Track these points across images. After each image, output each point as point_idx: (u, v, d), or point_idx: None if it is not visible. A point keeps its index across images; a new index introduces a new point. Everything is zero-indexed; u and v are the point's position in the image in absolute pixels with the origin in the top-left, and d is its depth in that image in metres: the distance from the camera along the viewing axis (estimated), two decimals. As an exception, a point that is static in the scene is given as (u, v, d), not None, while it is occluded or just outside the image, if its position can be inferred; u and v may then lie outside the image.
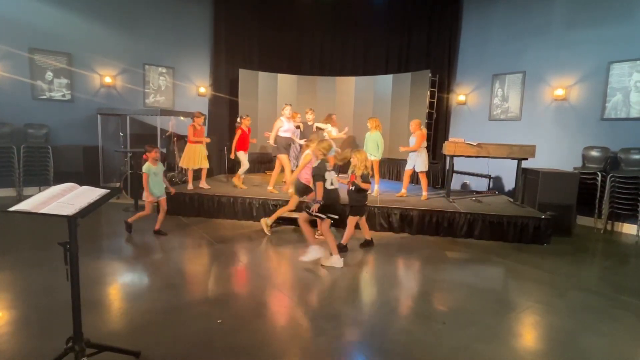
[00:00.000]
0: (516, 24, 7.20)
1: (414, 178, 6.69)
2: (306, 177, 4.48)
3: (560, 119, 6.68)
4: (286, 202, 5.49)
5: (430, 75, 7.93)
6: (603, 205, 5.69)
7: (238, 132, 6.21)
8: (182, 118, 7.57)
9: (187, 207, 5.79)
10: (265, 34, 9.10)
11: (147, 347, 2.28)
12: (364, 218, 4.50)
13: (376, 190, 5.95)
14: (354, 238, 4.39)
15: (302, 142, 6.14)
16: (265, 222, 4.96)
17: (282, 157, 5.86)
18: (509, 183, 6.61)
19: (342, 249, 4.24)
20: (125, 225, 4.72)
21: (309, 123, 6.46)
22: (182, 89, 8.49)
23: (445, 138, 7.92)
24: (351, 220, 4.26)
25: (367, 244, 4.55)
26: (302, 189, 4.57)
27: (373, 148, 5.88)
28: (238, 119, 6.51)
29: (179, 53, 8.34)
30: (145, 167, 4.55)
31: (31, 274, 3.41)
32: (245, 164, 6.25)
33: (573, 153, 6.41)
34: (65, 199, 1.90)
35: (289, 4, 8.99)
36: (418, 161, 5.82)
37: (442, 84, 8.18)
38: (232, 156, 6.30)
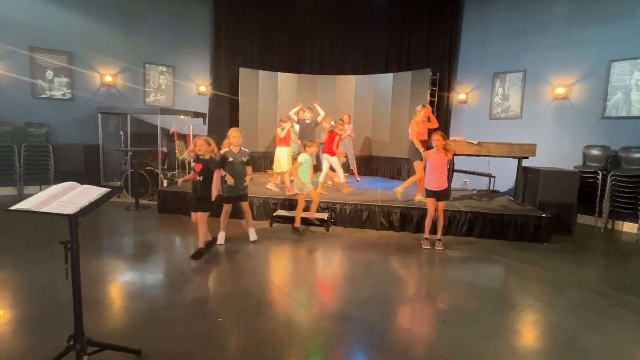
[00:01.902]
0: (517, 23, 7.19)
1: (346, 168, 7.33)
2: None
3: (560, 118, 6.67)
4: (285, 199, 5.51)
5: (430, 73, 7.91)
6: (604, 203, 5.69)
7: (335, 138, 6.04)
8: (182, 117, 7.57)
9: (187, 205, 5.79)
10: (265, 32, 9.09)
11: (148, 345, 2.28)
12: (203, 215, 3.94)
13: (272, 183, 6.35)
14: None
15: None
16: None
17: (420, 164, 5.32)
18: (510, 182, 6.60)
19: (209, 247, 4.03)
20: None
21: (307, 121, 6.44)
22: (182, 88, 8.49)
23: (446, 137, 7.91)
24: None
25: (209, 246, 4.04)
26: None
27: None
28: (332, 122, 6.37)
29: (179, 52, 8.34)
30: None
31: (32, 273, 3.41)
32: (340, 169, 6.18)
33: (573, 152, 6.40)
34: (66, 197, 1.91)
35: (289, 2, 8.98)
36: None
37: (443, 83, 8.16)
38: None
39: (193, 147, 3.92)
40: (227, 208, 4.41)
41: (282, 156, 6.08)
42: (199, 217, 3.90)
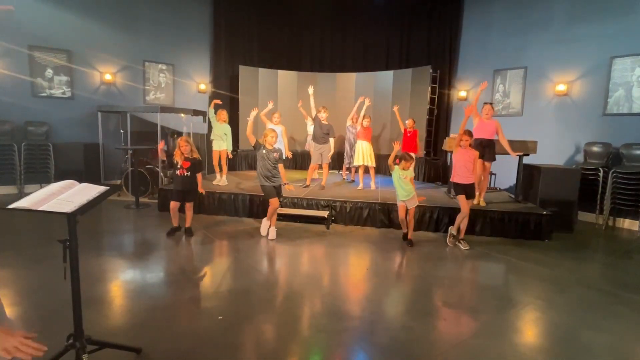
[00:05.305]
0: (517, 19, 7.15)
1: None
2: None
3: (561, 115, 6.65)
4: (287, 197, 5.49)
5: (431, 71, 7.89)
6: (605, 201, 5.67)
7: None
8: (182, 115, 7.56)
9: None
10: (265, 30, 9.07)
11: (148, 343, 2.28)
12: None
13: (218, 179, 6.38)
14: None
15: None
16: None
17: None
18: (511, 179, 6.58)
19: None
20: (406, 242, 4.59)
21: (323, 122, 5.95)
22: (182, 86, 8.47)
23: (446, 134, 7.90)
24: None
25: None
26: None
27: (222, 138, 6.29)
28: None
29: (179, 50, 8.32)
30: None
31: (32, 271, 3.41)
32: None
33: (575, 149, 6.38)
34: (64, 196, 1.90)
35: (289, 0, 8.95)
36: None
37: (443, 80, 8.14)
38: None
39: (179, 149, 4.48)
40: (273, 203, 4.54)
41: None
42: (187, 206, 4.65)
